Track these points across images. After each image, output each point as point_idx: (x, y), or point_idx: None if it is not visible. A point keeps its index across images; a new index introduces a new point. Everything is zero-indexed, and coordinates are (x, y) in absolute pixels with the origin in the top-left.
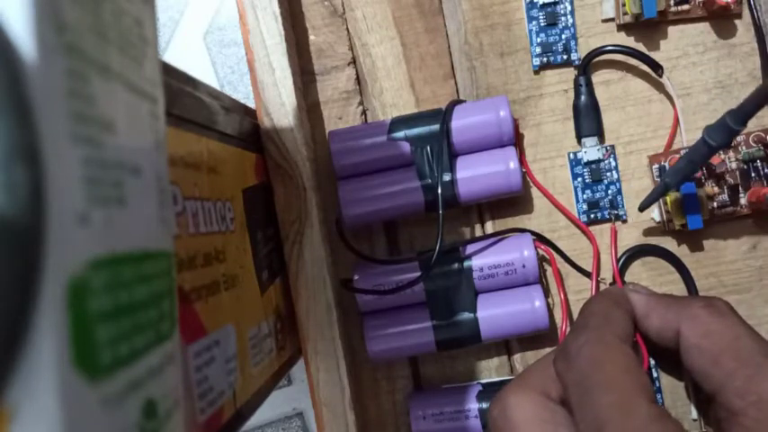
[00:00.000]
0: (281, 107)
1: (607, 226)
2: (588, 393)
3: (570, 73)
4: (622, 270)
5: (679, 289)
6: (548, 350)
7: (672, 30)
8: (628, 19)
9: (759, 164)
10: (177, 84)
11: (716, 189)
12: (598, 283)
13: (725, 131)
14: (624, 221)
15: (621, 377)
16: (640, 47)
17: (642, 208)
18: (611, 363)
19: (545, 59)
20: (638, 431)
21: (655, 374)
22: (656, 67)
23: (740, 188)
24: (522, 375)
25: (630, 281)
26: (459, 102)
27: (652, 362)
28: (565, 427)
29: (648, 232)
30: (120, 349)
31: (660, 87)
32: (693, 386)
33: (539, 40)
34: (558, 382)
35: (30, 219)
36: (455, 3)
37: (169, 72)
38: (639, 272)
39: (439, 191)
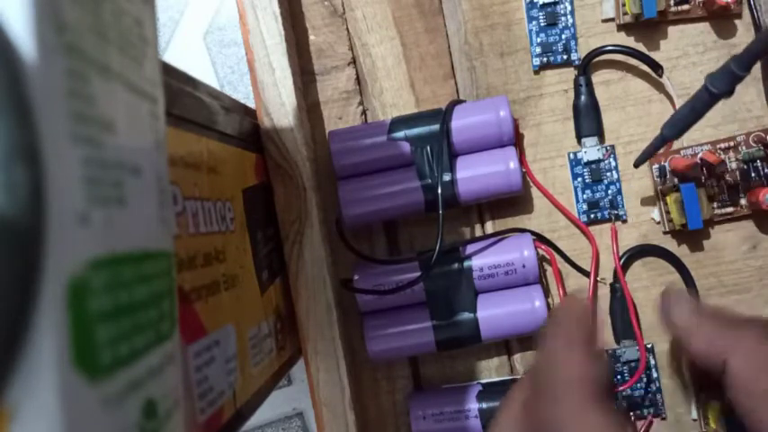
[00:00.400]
0: (281, 107)
1: (607, 226)
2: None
3: (570, 73)
4: (622, 270)
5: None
6: None
7: (672, 30)
8: (628, 19)
9: (759, 164)
10: (177, 84)
11: (716, 189)
12: (596, 282)
13: (728, 77)
14: (624, 221)
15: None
16: (640, 47)
17: (637, 163)
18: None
19: (545, 59)
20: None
21: (655, 374)
22: (656, 67)
23: (740, 188)
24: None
25: (630, 281)
26: (459, 102)
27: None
28: None
29: (648, 232)
30: (120, 349)
31: (660, 87)
32: (728, 408)
33: (539, 40)
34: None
35: (30, 219)
36: (455, 3)
37: (169, 72)
38: (639, 272)
39: (439, 191)
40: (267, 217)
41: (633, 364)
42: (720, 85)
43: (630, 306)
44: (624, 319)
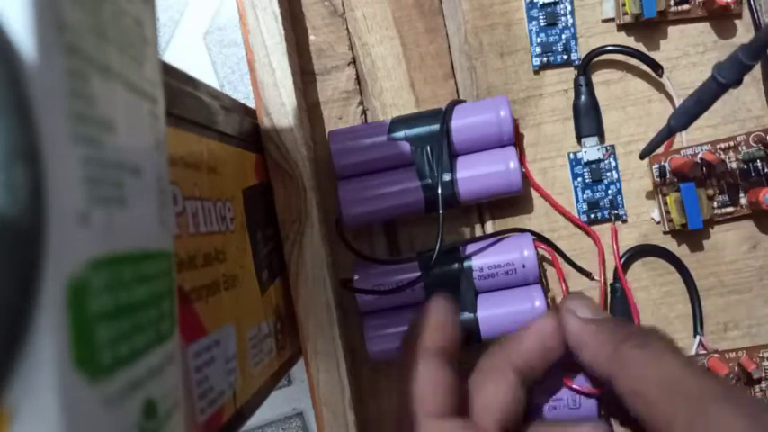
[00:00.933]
0: (281, 107)
1: (607, 226)
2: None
3: (570, 73)
4: (623, 270)
5: (679, 289)
6: None
7: (672, 30)
8: (628, 19)
9: (759, 164)
10: (177, 84)
11: (716, 189)
12: (604, 280)
13: (736, 67)
14: (624, 221)
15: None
16: (640, 47)
17: (643, 155)
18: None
19: (545, 59)
20: None
21: None
22: (656, 67)
23: (740, 188)
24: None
25: (630, 281)
26: (459, 102)
27: None
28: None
29: (648, 232)
30: (120, 349)
31: (660, 87)
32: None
33: (539, 40)
34: (491, 410)
35: (30, 219)
36: (455, 3)
37: (169, 72)
38: (640, 272)
39: (439, 190)
40: (267, 217)
41: None
42: (728, 75)
43: (632, 306)
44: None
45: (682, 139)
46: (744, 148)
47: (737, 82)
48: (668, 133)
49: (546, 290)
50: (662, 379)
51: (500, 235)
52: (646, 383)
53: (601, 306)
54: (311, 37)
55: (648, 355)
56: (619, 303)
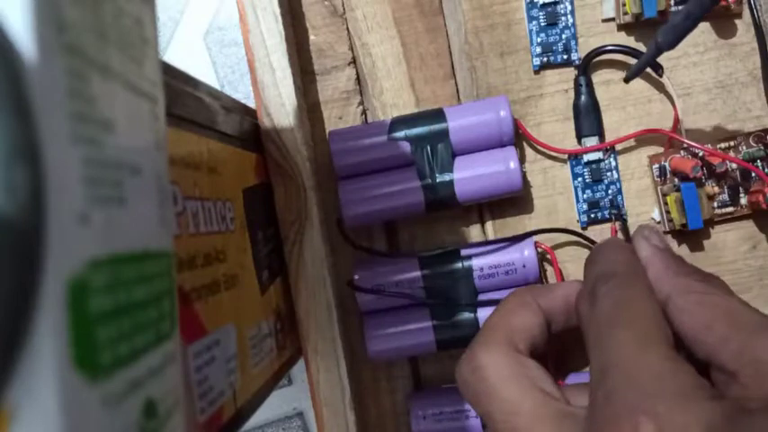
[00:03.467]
0: (281, 107)
1: (607, 226)
2: (608, 331)
3: (570, 73)
4: None
5: None
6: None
7: None
8: (628, 19)
9: (759, 164)
10: (177, 84)
11: (716, 189)
12: None
13: None
14: (624, 221)
15: (643, 320)
16: (640, 47)
17: (628, 78)
18: (636, 306)
19: (545, 59)
20: (649, 366)
21: None
22: (656, 67)
23: (740, 188)
24: (487, 332)
25: None
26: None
27: None
28: (540, 379)
29: None
30: (120, 349)
31: (660, 87)
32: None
33: (539, 39)
34: (524, 332)
35: (30, 219)
36: (455, 3)
37: (169, 72)
38: None
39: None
40: (267, 217)
41: None
42: None
43: None
44: None
45: (682, 139)
46: (744, 148)
47: None
48: (656, 52)
49: None
50: (720, 306)
51: (506, 241)
52: (703, 307)
53: None
54: (311, 37)
55: (709, 286)
56: None
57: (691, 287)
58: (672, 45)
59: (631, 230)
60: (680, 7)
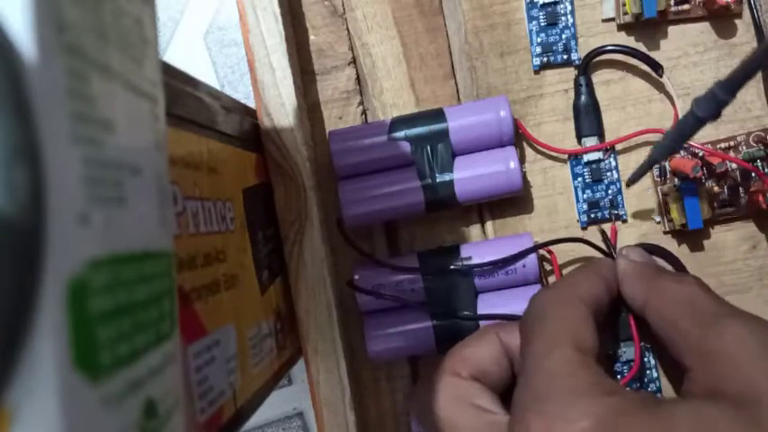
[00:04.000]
0: (281, 107)
1: (607, 226)
2: (526, 341)
3: (570, 73)
4: None
5: None
6: None
7: (672, 30)
8: (628, 19)
9: (759, 164)
10: (177, 84)
11: (716, 189)
12: None
13: (713, 103)
14: (624, 221)
15: (552, 328)
16: (640, 47)
17: (629, 183)
18: (549, 316)
19: (545, 59)
20: (546, 370)
21: (655, 374)
22: (657, 67)
23: (740, 188)
24: (434, 364)
25: None
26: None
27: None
28: (476, 396)
29: (648, 232)
30: (120, 349)
31: (660, 87)
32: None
33: (539, 39)
34: (470, 360)
35: (30, 219)
36: (455, 3)
37: (169, 72)
38: None
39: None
40: (267, 217)
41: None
42: (706, 110)
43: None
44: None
45: None
46: (744, 148)
47: (715, 116)
48: (651, 163)
49: None
50: (685, 299)
51: (506, 241)
52: (670, 304)
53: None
54: (311, 37)
55: (678, 285)
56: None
57: (661, 288)
58: (665, 158)
59: (631, 230)
60: (679, 7)
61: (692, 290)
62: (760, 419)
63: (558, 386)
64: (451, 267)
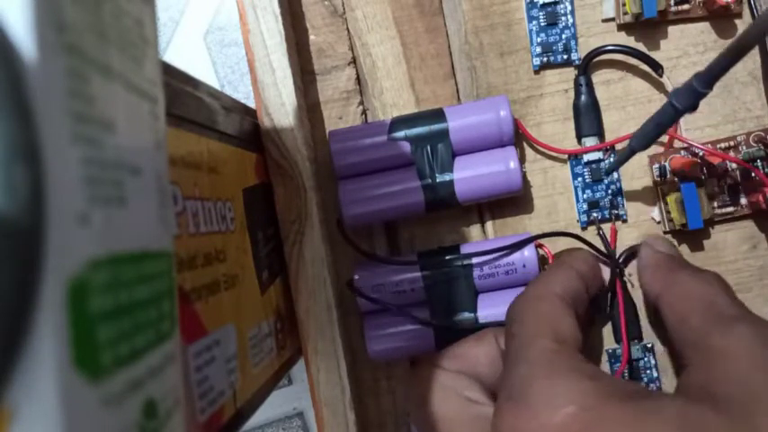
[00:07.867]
0: (281, 107)
1: (607, 226)
2: (507, 342)
3: (570, 73)
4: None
5: None
6: None
7: (672, 29)
8: (628, 19)
9: (759, 164)
10: (177, 84)
11: (716, 189)
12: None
13: (691, 95)
14: (624, 221)
15: (531, 322)
16: (640, 47)
17: (607, 172)
18: (532, 313)
19: (545, 59)
20: (526, 360)
21: (655, 374)
22: (657, 67)
23: (740, 188)
24: (426, 359)
25: (631, 280)
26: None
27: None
28: (465, 388)
29: (649, 232)
30: (120, 349)
31: (660, 87)
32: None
33: (539, 39)
34: (461, 357)
35: (30, 219)
36: (455, 3)
37: (169, 72)
38: None
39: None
40: (267, 217)
41: (634, 363)
42: (684, 102)
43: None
44: (626, 318)
45: (682, 138)
46: (744, 148)
47: (693, 107)
48: (629, 153)
49: None
50: (698, 296)
51: (506, 241)
52: (683, 299)
53: (602, 304)
54: (311, 37)
55: (695, 281)
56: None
57: (678, 281)
58: (643, 148)
59: (631, 230)
60: (679, 7)
61: (708, 287)
62: (753, 424)
63: (539, 374)
64: (451, 267)
